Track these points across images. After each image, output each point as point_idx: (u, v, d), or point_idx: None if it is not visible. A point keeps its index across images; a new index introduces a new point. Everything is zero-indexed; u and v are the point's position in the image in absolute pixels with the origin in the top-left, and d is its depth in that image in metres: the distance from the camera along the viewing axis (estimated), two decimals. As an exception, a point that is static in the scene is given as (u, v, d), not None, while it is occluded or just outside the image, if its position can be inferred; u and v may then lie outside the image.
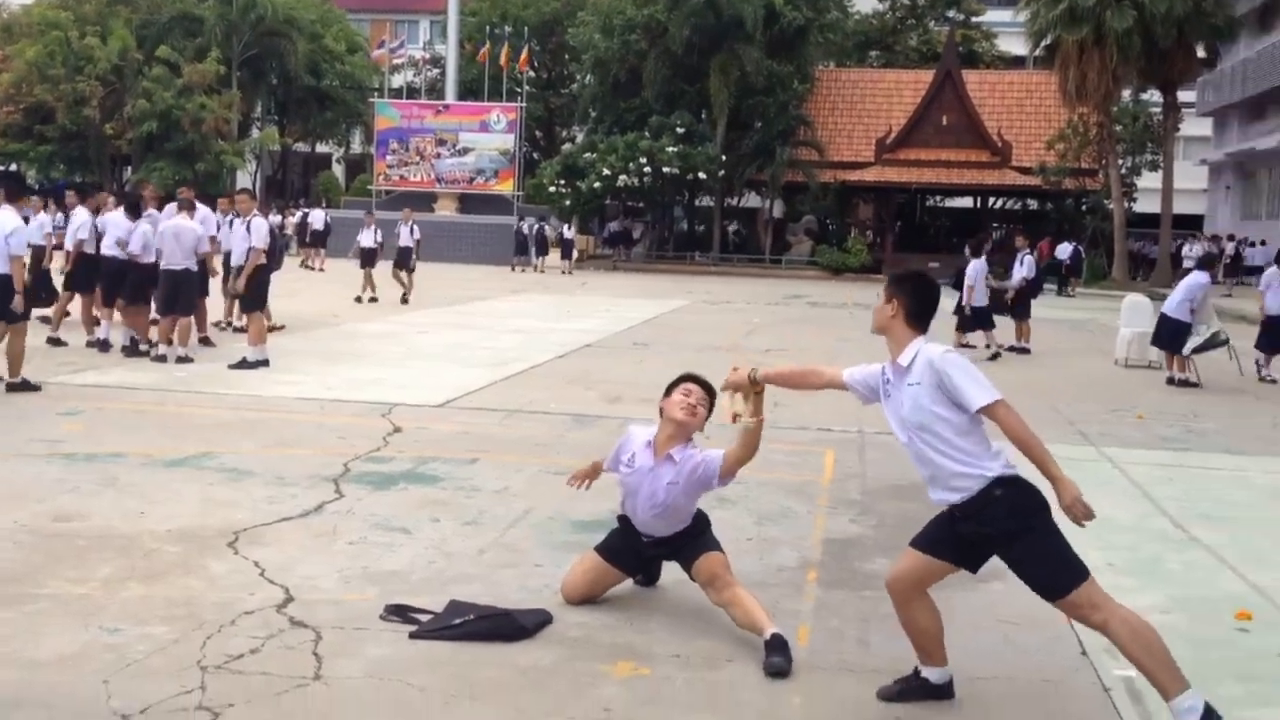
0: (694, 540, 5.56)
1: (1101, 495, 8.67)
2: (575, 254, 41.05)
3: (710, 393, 5.66)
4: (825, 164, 44.00)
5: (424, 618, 5.23)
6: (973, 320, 18.37)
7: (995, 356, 17.52)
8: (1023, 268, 19.86)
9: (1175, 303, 15.28)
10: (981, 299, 18.34)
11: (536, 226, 41.64)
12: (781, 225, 48.18)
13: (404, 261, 23.69)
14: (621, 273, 41.15)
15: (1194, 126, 52.58)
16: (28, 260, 10.91)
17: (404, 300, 23.02)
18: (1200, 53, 40.43)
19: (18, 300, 10.67)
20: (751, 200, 49.54)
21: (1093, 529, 7.54)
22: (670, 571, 6.18)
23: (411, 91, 52.14)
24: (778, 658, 4.90)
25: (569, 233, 41.43)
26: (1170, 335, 15.27)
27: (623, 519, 5.74)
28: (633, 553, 5.67)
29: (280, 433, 9.64)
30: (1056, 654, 5.35)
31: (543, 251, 41.49)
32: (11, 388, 10.82)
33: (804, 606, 5.84)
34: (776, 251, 45.85)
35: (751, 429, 5.18)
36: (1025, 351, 18.77)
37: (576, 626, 5.34)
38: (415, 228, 24.16)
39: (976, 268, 18.38)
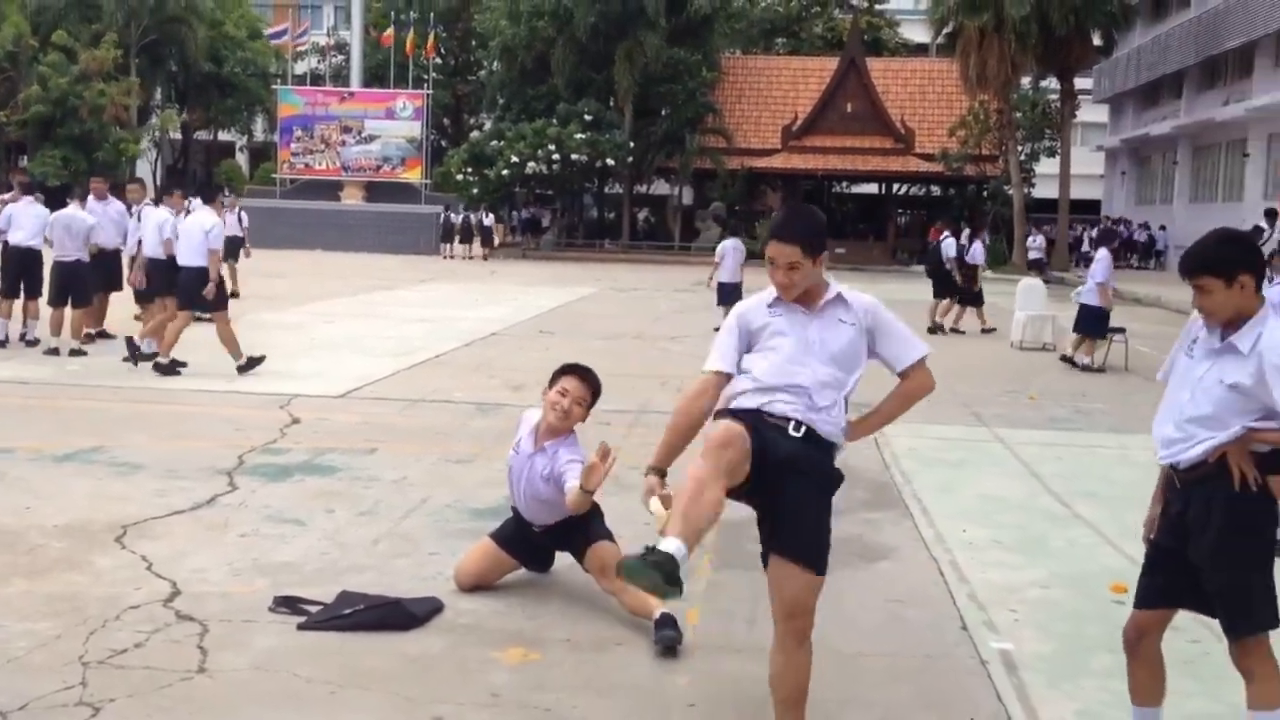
0: (583, 529, 5.60)
1: (992, 475, 8.93)
2: (496, 241, 41.10)
3: (592, 387, 5.66)
4: (733, 151, 44.31)
5: (313, 609, 5.22)
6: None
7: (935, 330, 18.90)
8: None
9: (1088, 289, 15.39)
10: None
11: (478, 216, 41.59)
12: (691, 212, 48.40)
13: (233, 251, 20.70)
14: (531, 261, 41.05)
15: (1091, 113, 53.81)
16: None
17: (233, 295, 20.04)
18: (1096, 40, 41.35)
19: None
20: (661, 187, 49.71)
21: (982, 508, 7.80)
22: (564, 557, 6.23)
23: (316, 78, 51.53)
24: (668, 630, 4.98)
25: (489, 220, 41.37)
26: (1091, 322, 15.48)
27: (515, 507, 5.78)
28: (524, 540, 5.70)
29: (175, 425, 9.51)
30: (939, 630, 5.49)
31: (466, 240, 41.37)
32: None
33: (695, 588, 5.91)
34: (686, 238, 46.06)
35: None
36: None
37: (468, 614, 5.36)
38: (244, 215, 22.92)
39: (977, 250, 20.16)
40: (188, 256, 12.05)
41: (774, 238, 3.92)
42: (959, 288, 19.81)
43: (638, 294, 26.50)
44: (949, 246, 20.22)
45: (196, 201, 13.29)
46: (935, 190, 48.78)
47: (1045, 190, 45.06)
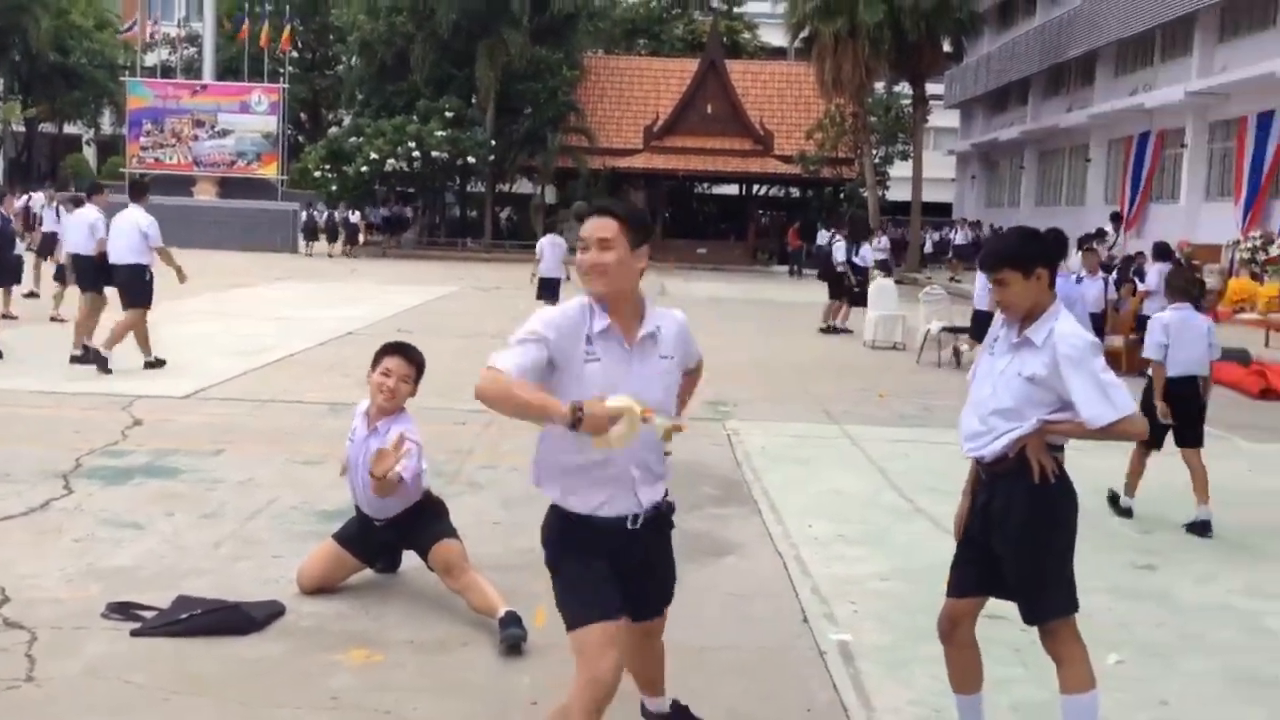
0: (427, 526, 5.58)
1: (840, 471, 9.12)
2: (361, 238, 40.62)
3: (415, 362, 5.66)
4: (596, 150, 44.36)
5: (149, 614, 5.09)
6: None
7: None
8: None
9: (979, 294, 15.79)
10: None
11: (342, 214, 40.93)
12: (554, 211, 48.33)
13: (48, 249, 19.49)
14: (392, 259, 40.50)
15: (942, 118, 55.24)
16: None
17: (30, 295, 18.66)
18: (947, 47, 42.43)
19: None
20: (524, 186, 49.49)
21: (828, 502, 7.95)
22: (411, 558, 6.19)
23: (166, 70, 50.04)
24: (513, 629, 4.99)
25: (355, 217, 40.82)
26: (983, 327, 15.84)
27: (357, 505, 5.72)
28: (367, 538, 5.65)
29: (8, 427, 9.16)
30: (779, 623, 5.60)
31: (332, 238, 40.71)
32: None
33: (544, 588, 5.90)
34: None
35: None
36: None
37: (310, 616, 5.29)
38: (61, 210, 20.17)
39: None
40: (122, 255, 12.42)
41: (590, 214, 3.61)
42: (847, 289, 20.18)
43: (499, 293, 26.38)
44: (839, 250, 20.62)
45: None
46: (794, 192, 49.55)
47: (899, 193, 46.13)
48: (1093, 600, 5.60)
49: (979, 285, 15.42)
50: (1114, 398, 3.71)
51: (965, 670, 4.14)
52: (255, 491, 7.50)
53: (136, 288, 12.41)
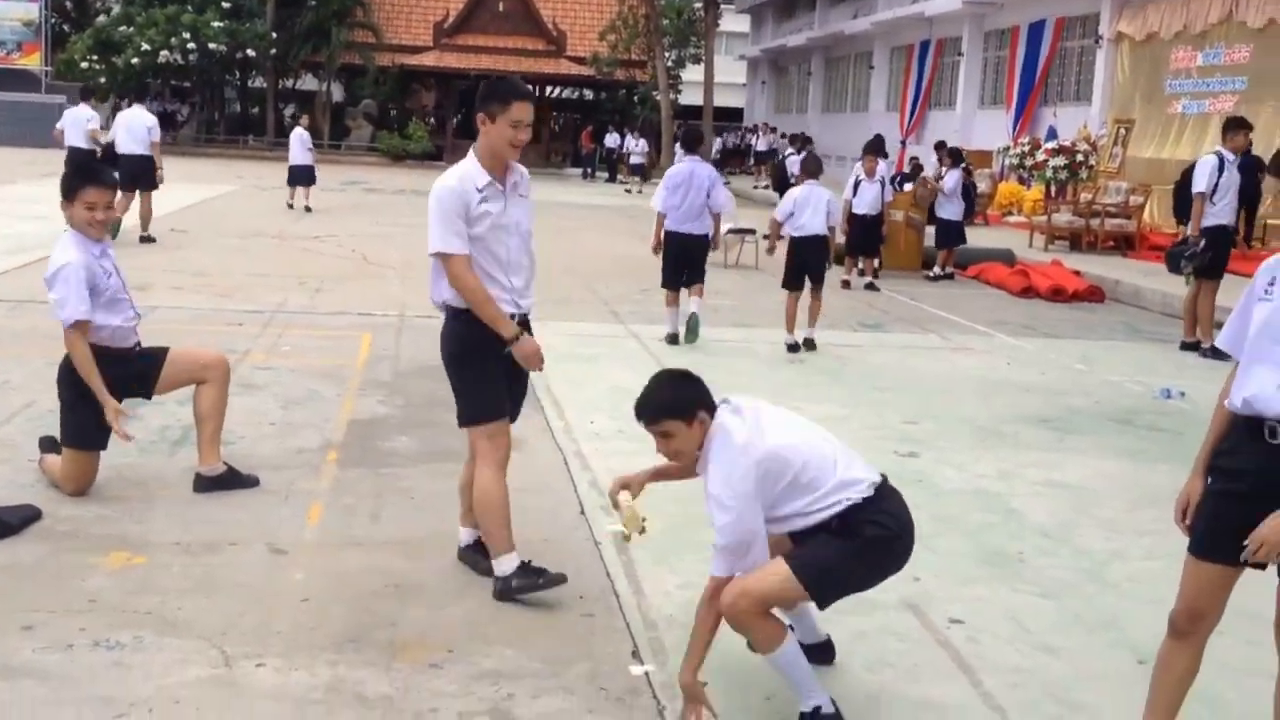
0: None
1: (624, 369, 9.22)
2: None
3: (110, 184, 5.60)
4: (383, 47, 43.07)
5: (-110, 522, 4.81)
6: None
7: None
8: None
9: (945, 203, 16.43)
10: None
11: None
12: (341, 110, 46.86)
13: None
14: (167, 156, 38.57)
15: (733, 22, 55.60)
16: None
17: None
18: (739, -49, 42.65)
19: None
20: (309, 83, 47.76)
21: (611, 400, 8.05)
22: (180, 461, 6.02)
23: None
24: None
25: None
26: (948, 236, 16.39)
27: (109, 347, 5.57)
28: (124, 371, 5.52)
29: None
30: (558, 516, 5.67)
31: None
32: None
33: (320, 486, 5.85)
34: (336, 136, 44.61)
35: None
36: None
37: (68, 520, 5.09)
38: None
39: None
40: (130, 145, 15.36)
41: (521, 98, 4.46)
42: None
43: (282, 192, 25.49)
44: (793, 162, 20.60)
45: None
46: (588, 94, 49.25)
47: (692, 97, 46.41)
48: (857, 486, 5.86)
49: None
50: None
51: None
52: (10, 394, 7.14)
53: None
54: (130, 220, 15.39)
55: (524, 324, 4.71)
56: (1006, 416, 8.19)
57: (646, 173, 36.47)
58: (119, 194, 10.98)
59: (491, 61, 43.93)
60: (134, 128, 15.57)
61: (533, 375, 8.76)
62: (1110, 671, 4.27)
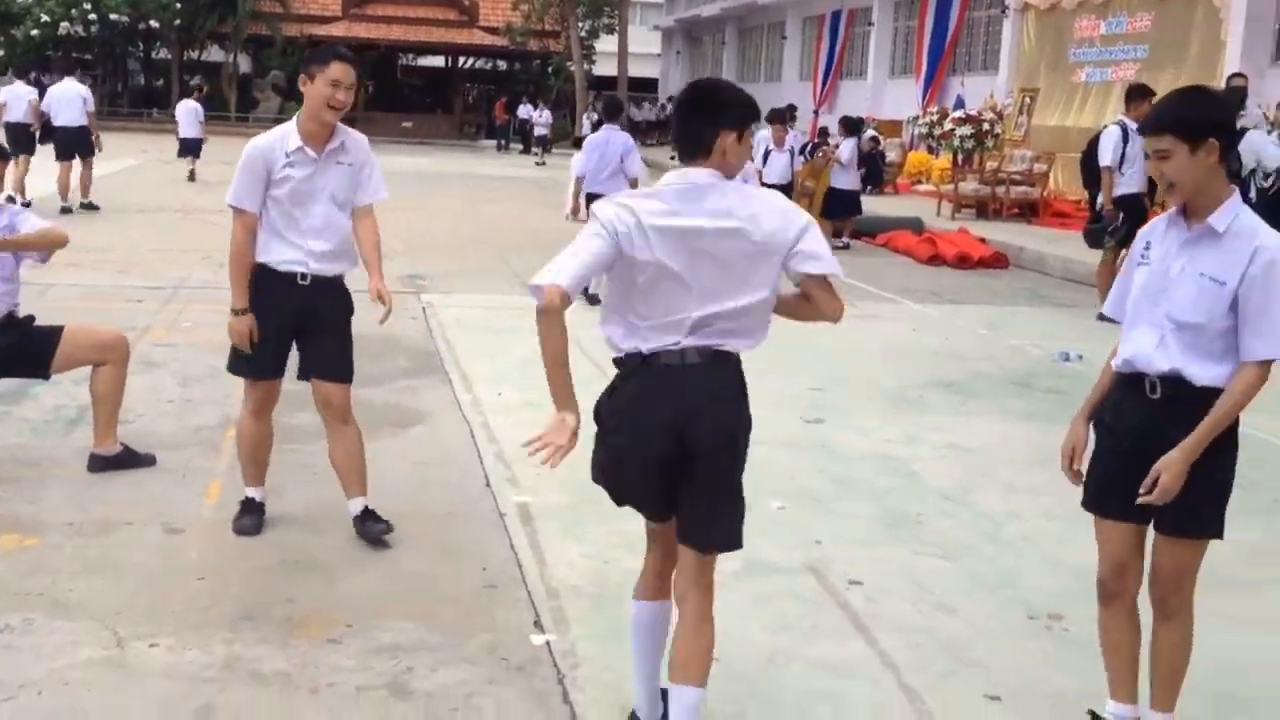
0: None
1: (534, 340, 9.17)
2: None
3: None
4: (291, 17, 42.34)
5: None
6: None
7: None
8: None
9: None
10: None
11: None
12: (248, 81, 45.99)
13: None
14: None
15: (648, -8, 55.45)
16: None
17: None
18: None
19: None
20: (215, 54, 46.79)
21: (520, 371, 7.99)
22: (75, 441, 5.91)
23: None
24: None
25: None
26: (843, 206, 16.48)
27: None
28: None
29: None
30: (464, 488, 5.65)
31: None
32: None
33: (219, 464, 5.77)
34: (243, 109, 43.76)
35: None
36: None
37: (-45, 504, 4.97)
38: None
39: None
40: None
41: (344, 60, 4.57)
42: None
43: (187, 164, 25.00)
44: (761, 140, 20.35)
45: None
46: (501, 65, 48.85)
47: (606, 67, 46.23)
48: (764, 452, 5.90)
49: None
50: None
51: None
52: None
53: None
54: (50, 189, 15.91)
55: (331, 285, 4.78)
56: (911, 382, 8.31)
57: (550, 144, 36.27)
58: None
59: (402, 32, 43.44)
60: (69, 99, 16.04)
61: (441, 347, 8.77)
62: (1004, 629, 4.37)
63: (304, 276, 4.66)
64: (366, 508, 4.85)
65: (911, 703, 3.77)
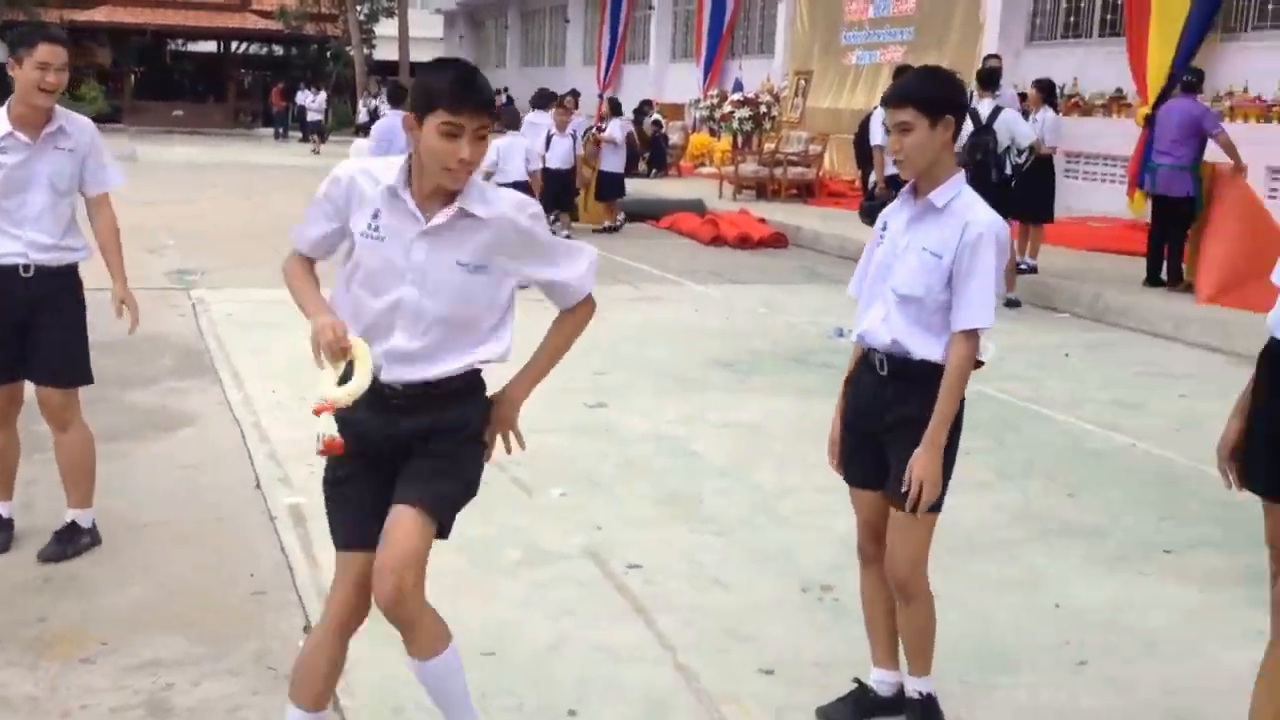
0: None
1: (292, 337, 8.94)
2: None
3: None
4: (51, 2, 40.00)
5: None
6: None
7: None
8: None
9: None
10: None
11: None
12: (3, 70, 43.37)
13: None
14: None
15: (427, -25, 54.67)
16: None
17: None
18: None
19: None
20: (-35, 41, 44.03)
21: (294, 366, 7.77)
22: None
23: None
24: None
25: None
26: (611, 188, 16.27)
27: None
28: None
29: None
30: (234, 491, 5.46)
31: None
32: None
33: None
34: (2, 97, 41.22)
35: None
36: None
37: None
38: None
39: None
40: None
41: (52, 40, 4.34)
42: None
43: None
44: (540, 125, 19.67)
45: None
46: (277, 50, 47.40)
47: (388, 52, 45.34)
48: (548, 440, 5.90)
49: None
50: None
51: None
52: None
53: None
54: None
55: (58, 277, 4.48)
56: (692, 362, 8.43)
57: (326, 131, 35.37)
58: None
59: (171, 16, 41.75)
60: None
61: (211, 345, 8.46)
62: (777, 602, 4.46)
63: (26, 269, 4.39)
64: (69, 523, 4.61)
65: (688, 682, 3.82)
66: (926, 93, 3.25)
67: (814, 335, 9.64)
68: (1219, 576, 4.84)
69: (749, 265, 13.59)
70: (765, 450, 6.38)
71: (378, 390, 2.82)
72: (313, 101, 35.74)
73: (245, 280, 11.22)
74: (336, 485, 3.01)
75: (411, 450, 2.92)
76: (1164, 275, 11.26)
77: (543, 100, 14.16)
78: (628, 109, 26.50)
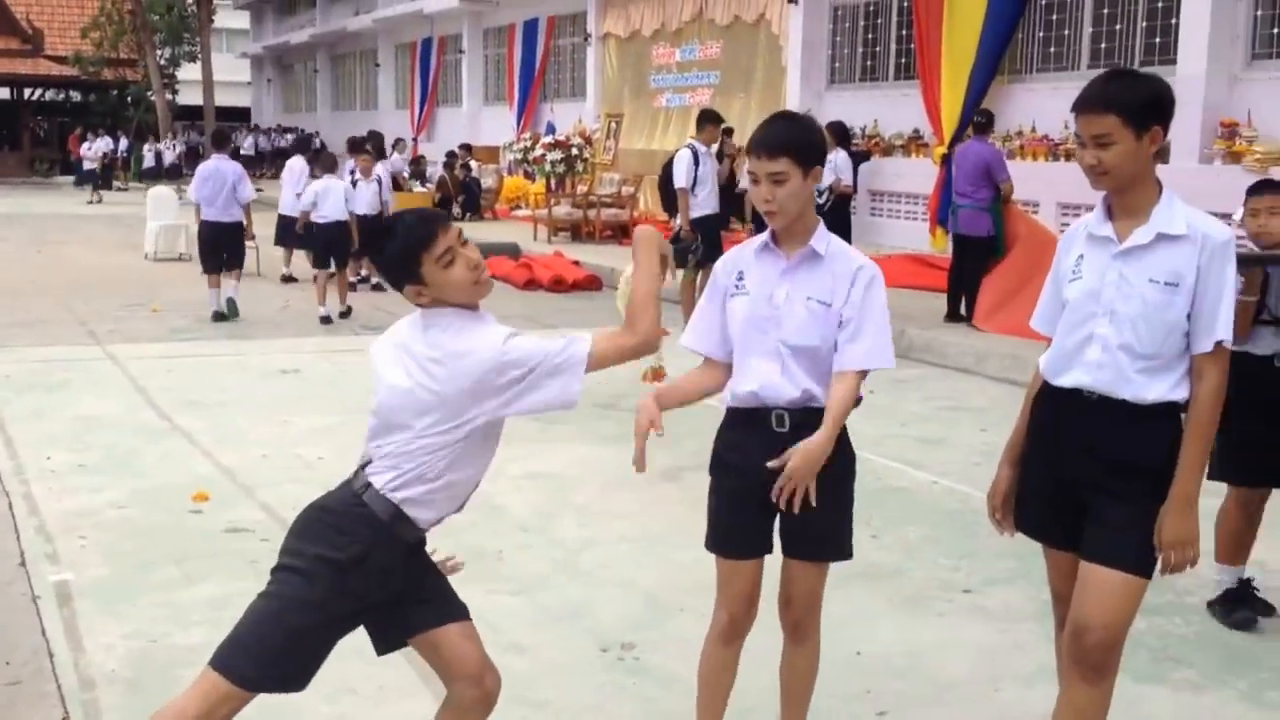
0: None
1: (93, 395, 8.50)
2: None
3: None
4: None
5: None
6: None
7: None
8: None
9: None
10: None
11: None
12: None
13: None
14: None
15: (231, 18, 53.42)
16: None
17: None
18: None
19: None
20: None
21: (74, 431, 7.35)
22: None
23: None
24: None
25: None
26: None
27: None
28: None
29: None
30: (-6, 570, 5.07)
31: None
32: None
33: None
34: None
35: None
36: None
37: None
38: None
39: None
40: None
41: None
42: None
43: None
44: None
45: None
46: (75, 96, 45.59)
47: (193, 96, 44.04)
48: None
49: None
50: None
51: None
52: None
53: None
54: None
55: None
56: (498, 411, 8.23)
57: (105, 178, 33.25)
58: None
59: (-45, 62, 39.72)
60: None
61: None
62: (573, 662, 4.32)
63: None
64: None
65: (477, 755, 3.63)
66: (801, 143, 3.16)
67: (624, 379, 9.51)
68: (1016, 614, 4.88)
69: (562, 308, 13.50)
70: (569, 501, 6.24)
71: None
72: (88, 149, 33.95)
73: (28, 338, 10.63)
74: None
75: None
76: (963, 311, 11.56)
77: (355, 146, 14.28)
78: (442, 152, 26.30)
